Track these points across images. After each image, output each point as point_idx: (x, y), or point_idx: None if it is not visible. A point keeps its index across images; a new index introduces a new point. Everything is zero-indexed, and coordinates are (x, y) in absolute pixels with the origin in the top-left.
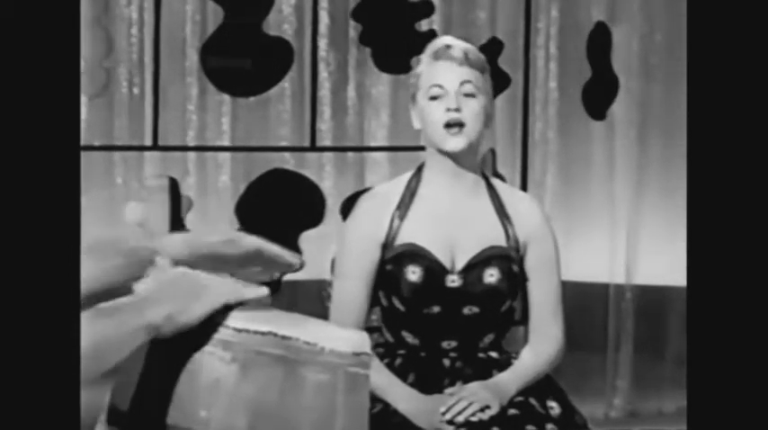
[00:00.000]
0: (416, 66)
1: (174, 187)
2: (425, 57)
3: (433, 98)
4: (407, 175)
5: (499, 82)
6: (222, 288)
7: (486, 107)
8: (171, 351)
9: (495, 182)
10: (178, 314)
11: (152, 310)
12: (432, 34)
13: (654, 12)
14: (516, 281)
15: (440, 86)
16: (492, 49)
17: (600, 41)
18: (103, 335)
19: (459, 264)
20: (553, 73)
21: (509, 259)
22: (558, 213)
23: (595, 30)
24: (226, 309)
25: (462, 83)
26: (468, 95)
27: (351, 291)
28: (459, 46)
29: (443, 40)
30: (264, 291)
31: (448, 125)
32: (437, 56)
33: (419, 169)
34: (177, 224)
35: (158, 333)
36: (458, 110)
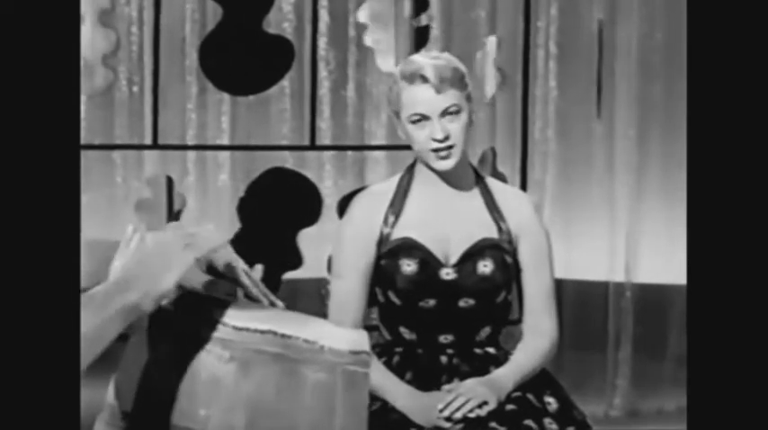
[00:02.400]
0: (393, 85)
1: (169, 185)
2: (400, 79)
3: (416, 122)
4: (399, 175)
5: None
6: (186, 247)
7: (470, 114)
8: (173, 351)
9: (487, 178)
10: (153, 288)
11: (127, 292)
12: (426, 29)
13: (654, 11)
14: (510, 272)
15: (422, 115)
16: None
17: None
18: (84, 325)
19: (453, 258)
20: (553, 72)
21: (502, 250)
22: (557, 212)
23: (600, 29)
24: (222, 305)
25: (445, 109)
26: (451, 115)
27: (348, 289)
28: (432, 70)
29: (416, 64)
30: (217, 237)
31: (435, 150)
32: (412, 80)
33: (411, 167)
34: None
35: (140, 311)
36: (445, 138)
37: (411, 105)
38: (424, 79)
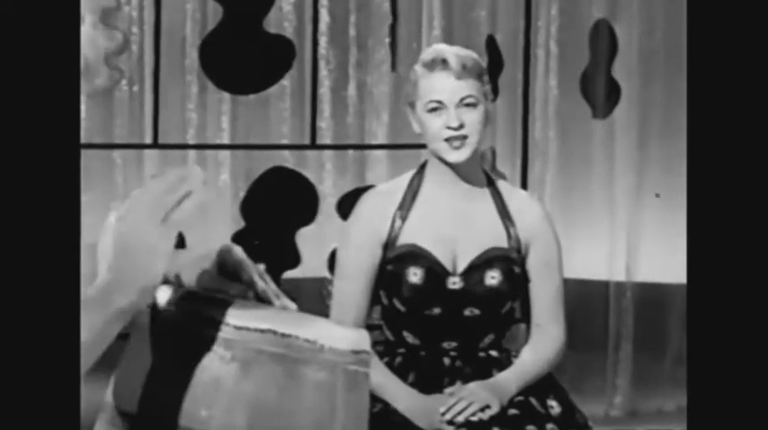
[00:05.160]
0: (411, 74)
1: None
2: (420, 67)
3: (433, 110)
4: (409, 174)
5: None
6: (164, 222)
7: (486, 111)
8: (176, 352)
9: (498, 181)
10: (144, 281)
11: (122, 293)
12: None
13: (654, 11)
14: (518, 282)
15: (439, 102)
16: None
17: (602, 39)
18: (84, 329)
19: (461, 266)
20: (553, 71)
21: (510, 260)
22: (557, 212)
23: (597, 28)
24: (224, 304)
25: (463, 98)
26: (468, 106)
27: (351, 289)
28: (454, 57)
29: (438, 50)
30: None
31: (449, 139)
32: (433, 67)
33: (421, 168)
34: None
35: (138, 307)
36: (459, 127)
37: (428, 92)
38: (445, 65)
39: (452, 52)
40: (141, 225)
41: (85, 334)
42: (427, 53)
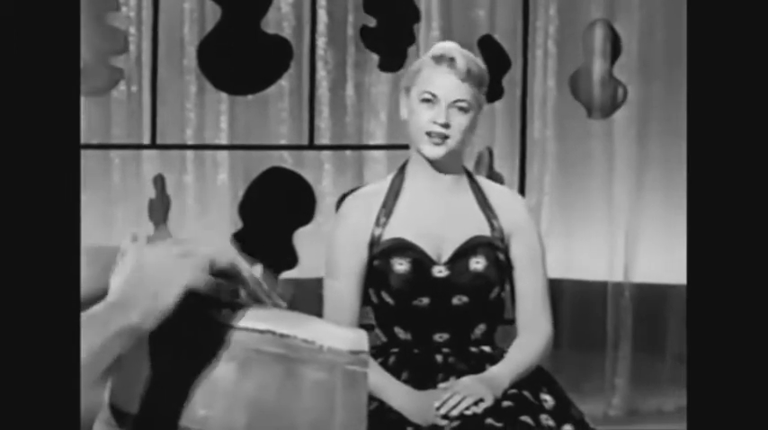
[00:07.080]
0: (416, 62)
1: (161, 185)
2: (427, 58)
3: (426, 101)
4: (391, 175)
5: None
6: (184, 259)
7: (475, 119)
8: (179, 353)
9: (478, 177)
10: (153, 306)
11: (127, 312)
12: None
13: (654, 11)
14: (503, 268)
15: (434, 95)
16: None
17: (597, 39)
18: (84, 345)
19: (446, 256)
20: (552, 71)
21: (494, 247)
22: (557, 212)
23: (592, 28)
24: (223, 305)
25: (457, 100)
26: (460, 109)
27: (341, 290)
28: (463, 59)
29: (449, 48)
30: (216, 243)
31: (431, 134)
32: (440, 62)
33: (402, 167)
34: (161, 221)
35: (141, 331)
36: (445, 125)
37: (428, 83)
38: (452, 64)
39: (462, 54)
40: (163, 256)
41: (87, 347)
42: (438, 48)
